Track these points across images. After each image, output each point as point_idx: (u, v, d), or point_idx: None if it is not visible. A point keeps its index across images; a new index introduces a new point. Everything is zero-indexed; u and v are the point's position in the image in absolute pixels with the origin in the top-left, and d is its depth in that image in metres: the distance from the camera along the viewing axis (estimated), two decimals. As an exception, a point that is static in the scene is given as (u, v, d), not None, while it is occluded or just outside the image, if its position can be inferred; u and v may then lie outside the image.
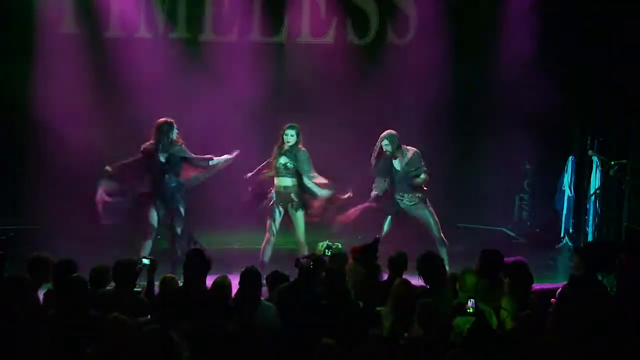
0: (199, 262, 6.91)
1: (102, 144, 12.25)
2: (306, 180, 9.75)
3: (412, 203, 9.92)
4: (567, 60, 12.66)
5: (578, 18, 12.45)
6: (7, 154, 12.34)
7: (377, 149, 10.00)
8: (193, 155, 9.80)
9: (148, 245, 9.50)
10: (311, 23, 12.88)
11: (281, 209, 9.76)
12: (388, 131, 9.99)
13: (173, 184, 9.65)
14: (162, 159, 9.62)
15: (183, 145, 9.73)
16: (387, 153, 9.93)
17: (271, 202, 9.78)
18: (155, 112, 11.84)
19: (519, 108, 12.72)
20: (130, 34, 12.50)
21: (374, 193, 10.02)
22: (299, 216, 9.74)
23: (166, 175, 9.60)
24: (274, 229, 9.74)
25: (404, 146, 10.00)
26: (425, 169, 9.93)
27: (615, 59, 11.85)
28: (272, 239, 9.74)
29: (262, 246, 9.77)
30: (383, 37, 13.03)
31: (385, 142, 9.90)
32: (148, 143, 9.68)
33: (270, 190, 9.83)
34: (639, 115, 11.10)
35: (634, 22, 11.46)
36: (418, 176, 9.86)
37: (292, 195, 9.74)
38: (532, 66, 12.56)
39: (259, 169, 9.92)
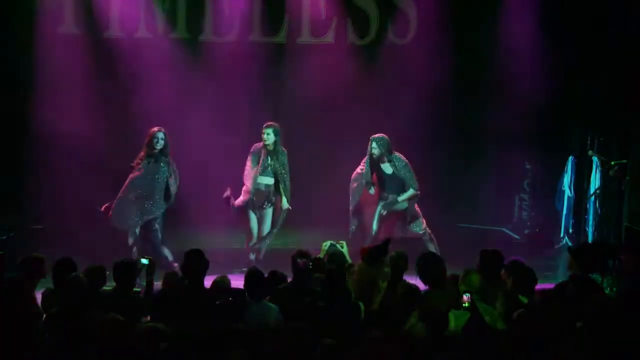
0: (198, 262, 6.91)
1: (102, 144, 12.27)
2: (281, 185, 10.10)
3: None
4: (567, 60, 12.66)
5: (578, 18, 12.45)
6: (8, 154, 12.33)
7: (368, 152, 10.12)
8: (173, 179, 9.96)
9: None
10: (311, 23, 12.87)
11: (256, 209, 10.10)
12: (378, 134, 10.06)
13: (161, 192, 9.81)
14: (163, 165, 9.71)
15: (171, 159, 9.90)
16: (374, 156, 9.99)
17: (245, 204, 10.02)
18: (155, 112, 11.89)
19: (519, 108, 12.72)
20: (130, 34, 12.49)
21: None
22: (269, 212, 10.13)
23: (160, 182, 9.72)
24: (253, 228, 10.12)
25: (396, 152, 10.06)
26: (416, 181, 10.02)
27: (616, 59, 11.85)
28: (253, 237, 10.15)
29: (246, 247, 10.15)
30: (383, 37, 13.03)
31: (374, 144, 9.96)
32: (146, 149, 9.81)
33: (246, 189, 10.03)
34: (639, 115, 11.09)
35: (634, 21, 11.46)
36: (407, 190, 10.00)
37: (270, 193, 10.09)
38: (532, 66, 12.56)
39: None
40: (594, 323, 5.57)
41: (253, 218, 10.16)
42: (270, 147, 9.99)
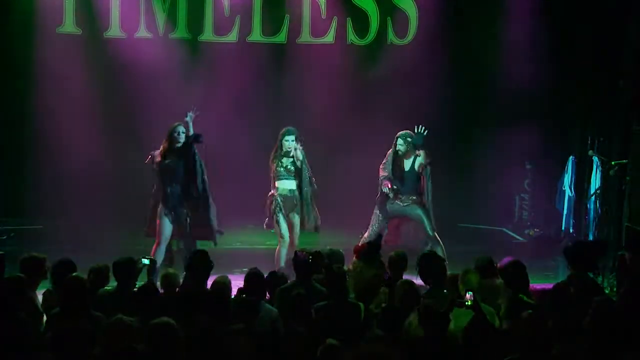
0: (202, 263, 6.89)
1: (103, 143, 12.28)
2: (305, 183, 9.64)
3: (405, 204, 9.88)
4: (567, 59, 12.67)
5: (579, 19, 12.46)
6: (8, 153, 12.34)
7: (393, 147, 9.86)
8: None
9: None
10: (312, 23, 12.88)
11: (285, 212, 9.59)
12: (404, 130, 9.83)
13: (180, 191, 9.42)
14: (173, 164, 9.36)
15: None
16: (399, 153, 9.83)
17: (274, 206, 9.60)
18: (155, 112, 11.90)
19: (520, 108, 12.73)
20: (130, 34, 12.50)
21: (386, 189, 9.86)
22: (297, 221, 9.63)
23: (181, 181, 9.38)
24: (284, 232, 9.58)
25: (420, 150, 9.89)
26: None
27: (616, 59, 11.85)
28: (286, 241, 9.57)
29: (276, 252, 9.59)
30: (383, 37, 13.03)
31: (400, 141, 9.81)
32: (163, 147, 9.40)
33: (272, 195, 9.64)
34: (639, 114, 11.09)
35: (634, 21, 11.46)
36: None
37: (295, 200, 9.62)
38: (533, 66, 12.57)
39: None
40: (595, 323, 5.56)
41: (283, 218, 9.60)
42: (287, 151, 9.55)
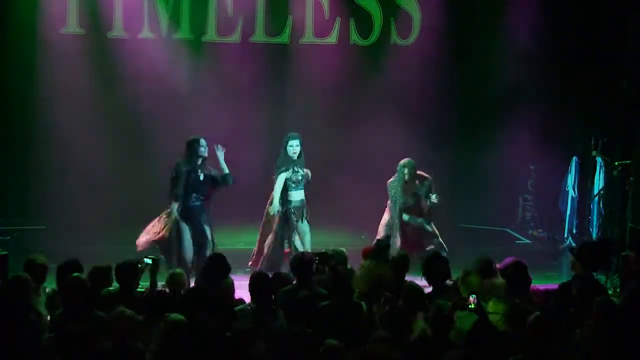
0: (220, 266, 6.86)
1: (105, 144, 12.29)
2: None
3: (413, 221, 10.05)
4: (570, 60, 12.66)
5: (581, 18, 12.45)
6: (11, 153, 12.35)
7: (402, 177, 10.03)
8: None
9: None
10: (315, 23, 12.87)
11: (294, 224, 9.73)
12: (407, 159, 10.05)
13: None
14: (201, 177, 9.52)
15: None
16: (406, 179, 9.97)
17: (295, 219, 9.70)
18: (158, 112, 11.91)
19: (523, 108, 12.72)
20: (133, 34, 12.50)
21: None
22: (307, 227, 9.75)
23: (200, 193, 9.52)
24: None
25: (420, 172, 10.10)
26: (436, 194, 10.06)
27: (620, 59, 11.84)
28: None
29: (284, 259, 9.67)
30: (386, 38, 13.03)
31: (405, 170, 9.94)
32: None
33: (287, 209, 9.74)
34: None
35: (637, 21, 11.46)
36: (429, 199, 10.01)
37: (306, 208, 9.77)
38: (536, 66, 12.56)
39: None
40: (598, 324, 5.56)
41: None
42: (297, 159, 9.66)
